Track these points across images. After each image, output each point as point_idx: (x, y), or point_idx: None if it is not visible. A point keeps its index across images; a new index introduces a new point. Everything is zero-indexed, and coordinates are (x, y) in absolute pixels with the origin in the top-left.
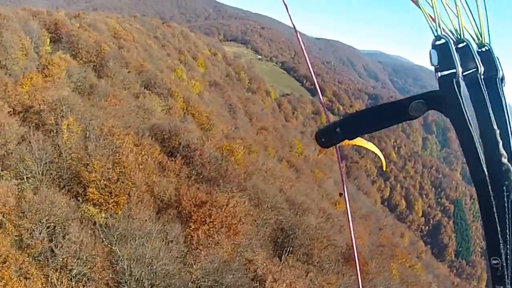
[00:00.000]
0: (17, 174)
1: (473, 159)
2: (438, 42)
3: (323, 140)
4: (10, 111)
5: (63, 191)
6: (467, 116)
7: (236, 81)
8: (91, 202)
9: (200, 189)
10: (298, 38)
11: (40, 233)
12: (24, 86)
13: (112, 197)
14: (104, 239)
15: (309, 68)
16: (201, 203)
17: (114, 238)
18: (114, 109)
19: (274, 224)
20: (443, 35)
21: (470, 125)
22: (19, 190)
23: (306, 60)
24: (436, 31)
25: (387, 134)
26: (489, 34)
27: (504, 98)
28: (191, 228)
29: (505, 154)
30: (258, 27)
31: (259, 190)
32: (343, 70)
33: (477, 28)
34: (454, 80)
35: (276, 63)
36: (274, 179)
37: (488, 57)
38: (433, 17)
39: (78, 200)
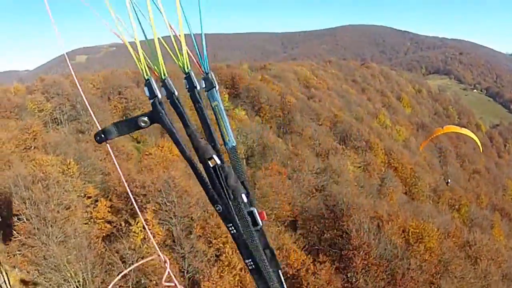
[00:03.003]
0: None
1: (181, 151)
2: (146, 82)
3: (97, 138)
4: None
5: None
6: (171, 126)
7: (445, 118)
8: None
9: None
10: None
11: None
12: (153, 157)
13: None
14: None
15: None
16: None
17: None
18: (272, 180)
19: None
20: (148, 76)
21: (174, 130)
22: None
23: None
24: (145, 75)
25: None
26: (203, 62)
27: (200, 104)
28: None
29: (202, 141)
30: (457, 53)
31: None
32: None
33: (182, 62)
34: (158, 103)
35: (481, 91)
36: (480, 259)
37: (191, 79)
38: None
39: None
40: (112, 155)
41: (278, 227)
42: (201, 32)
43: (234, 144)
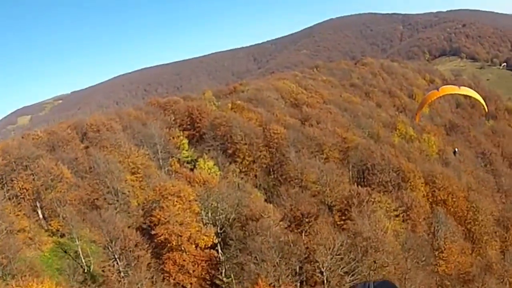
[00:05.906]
0: None
1: None
2: None
3: None
4: None
5: None
6: None
7: (471, 109)
8: None
9: None
10: None
11: None
12: None
13: None
14: None
15: None
16: None
17: None
18: None
19: None
20: None
21: None
22: None
23: None
24: None
25: None
26: None
27: None
28: None
29: None
30: (460, 26)
31: None
32: None
33: None
34: None
35: (500, 65)
36: None
37: None
38: None
39: None
40: None
41: None
42: None
43: None
